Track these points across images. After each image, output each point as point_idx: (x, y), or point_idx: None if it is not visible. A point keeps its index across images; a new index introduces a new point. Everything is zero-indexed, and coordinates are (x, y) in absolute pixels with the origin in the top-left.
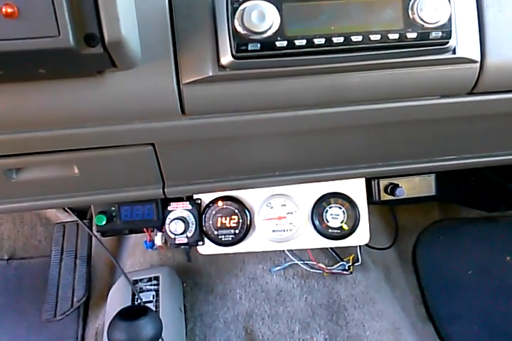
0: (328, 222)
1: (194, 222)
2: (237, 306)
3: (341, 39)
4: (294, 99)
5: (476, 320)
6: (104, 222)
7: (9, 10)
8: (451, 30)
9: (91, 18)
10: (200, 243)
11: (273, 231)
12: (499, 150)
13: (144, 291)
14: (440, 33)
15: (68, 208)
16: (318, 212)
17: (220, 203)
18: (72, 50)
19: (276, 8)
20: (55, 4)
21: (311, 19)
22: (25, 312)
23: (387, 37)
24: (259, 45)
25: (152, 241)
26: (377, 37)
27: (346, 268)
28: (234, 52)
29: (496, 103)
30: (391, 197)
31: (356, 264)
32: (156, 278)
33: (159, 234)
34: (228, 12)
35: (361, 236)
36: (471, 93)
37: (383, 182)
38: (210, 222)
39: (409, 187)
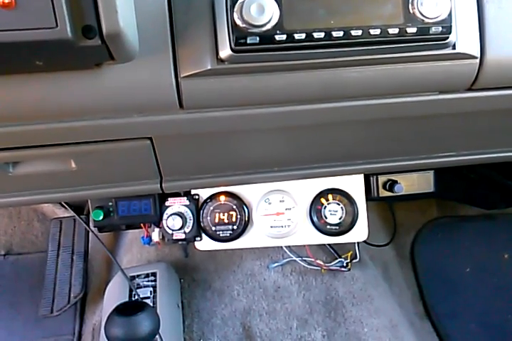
0: (326, 218)
1: (192, 218)
2: (235, 302)
3: (341, 33)
4: (292, 93)
5: (473, 318)
6: (101, 217)
7: (6, 0)
8: (451, 26)
9: (89, 9)
10: (198, 239)
11: (271, 227)
12: (498, 147)
13: (141, 287)
14: (440, 28)
15: (65, 203)
16: (316, 208)
17: (217, 199)
18: (70, 41)
19: (276, 1)
20: None
21: (310, 13)
22: (22, 308)
23: (387, 31)
24: (258, 39)
25: (149, 237)
26: (377, 31)
27: (344, 264)
28: (233, 46)
29: (495, 99)
30: (390, 194)
31: (354, 261)
32: (154, 274)
33: (156, 229)
34: (227, 5)
35: (359, 233)
36: (470, 89)
37: (382, 179)
38: (208, 218)
39: (408, 184)
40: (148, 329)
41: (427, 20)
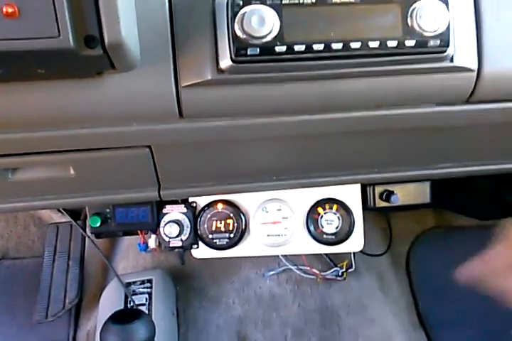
0: (322, 227)
1: (189, 225)
2: (230, 311)
3: (340, 45)
4: (291, 104)
5: (467, 328)
6: (98, 224)
7: (10, 10)
8: (449, 39)
9: (91, 19)
10: (195, 246)
11: (268, 235)
12: (494, 159)
13: (136, 294)
14: (438, 42)
15: (62, 209)
16: (313, 218)
17: (215, 206)
18: (72, 51)
19: (277, 13)
20: (56, 5)
21: (310, 25)
22: (17, 313)
23: (386, 44)
24: (258, 50)
25: (146, 244)
26: (376, 44)
27: (340, 274)
28: (233, 57)
29: (492, 112)
30: (386, 204)
31: (350, 270)
32: (149, 281)
33: (153, 236)
34: (228, 16)
35: (355, 243)
36: (467, 102)
37: (378, 189)
38: (205, 226)
39: (404, 194)
40: (143, 338)
41: (425, 33)
